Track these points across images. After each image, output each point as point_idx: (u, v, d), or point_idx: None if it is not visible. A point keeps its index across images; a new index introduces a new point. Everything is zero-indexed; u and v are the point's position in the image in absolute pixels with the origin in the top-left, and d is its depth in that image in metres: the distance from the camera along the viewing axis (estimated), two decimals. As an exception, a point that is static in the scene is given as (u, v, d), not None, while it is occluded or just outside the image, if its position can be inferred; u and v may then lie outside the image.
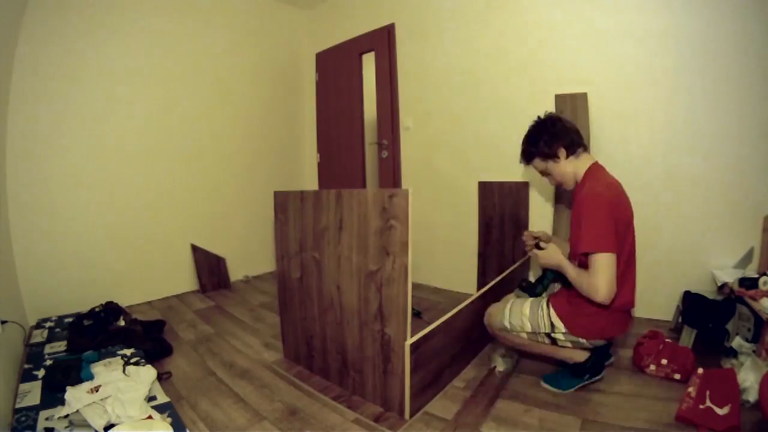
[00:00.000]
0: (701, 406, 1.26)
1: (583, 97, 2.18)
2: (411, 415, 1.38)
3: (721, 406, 1.22)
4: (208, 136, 3.17)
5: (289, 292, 1.82)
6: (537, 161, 1.55)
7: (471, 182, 2.80)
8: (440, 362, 1.54)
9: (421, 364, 1.40)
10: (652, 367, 1.56)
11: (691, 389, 1.33)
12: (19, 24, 2.20)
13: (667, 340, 1.64)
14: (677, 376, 1.51)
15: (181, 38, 2.96)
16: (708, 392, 1.28)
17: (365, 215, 1.41)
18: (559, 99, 2.24)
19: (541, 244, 1.52)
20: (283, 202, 1.78)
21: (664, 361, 1.54)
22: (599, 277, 1.23)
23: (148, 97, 2.81)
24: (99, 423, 1.19)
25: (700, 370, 1.40)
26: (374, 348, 1.44)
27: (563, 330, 1.41)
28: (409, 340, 1.33)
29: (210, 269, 3.11)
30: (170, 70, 2.92)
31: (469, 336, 1.76)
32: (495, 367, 1.69)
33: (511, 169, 2.61)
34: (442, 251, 3.02)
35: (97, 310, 2.15)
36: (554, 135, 1.46)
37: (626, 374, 1.60)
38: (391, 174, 3.25)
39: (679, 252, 2.07)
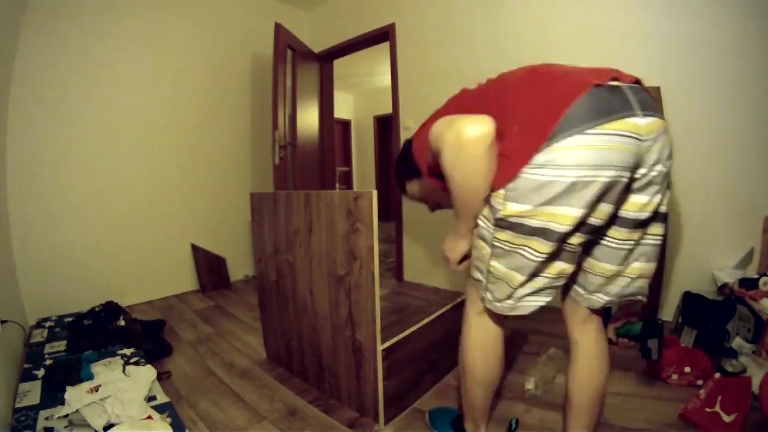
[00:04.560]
0: (708, 410, 1.25)
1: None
2: (386, 422, 1.35)
3: (728, 414, 1.21)
4: (208, 136, 3.18)
5: (268, 294, 1.81)
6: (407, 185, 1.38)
7: (471, 182, 2.81)
8: (418, 368, 1.51)
9: (395, 371, 1.38)
10: (675, 376, 1.52)
11: (702, 391, 1.32)
12: (19, 25, 2.21)
13: (682, 345, 1.61)
14: (700, 382, 1.47)
15: (180, 39, 2.97)
16: (719, 397, 1.27)
17: (332, 218, 1.38)
18: None
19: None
20: (258, 203, 1.78)
21: (687, 369, 1.50)
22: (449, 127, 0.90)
23: (148, 98, 2.81)
24: (99, 423, 1.19)
25: (717, 375, 1.39)
26: (347, 353, 1.42)
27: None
28: (380, 347, 1.31)
29: (210, 269, 3.11)
30: (172, 70, 2.92)
31: (451, 342, 1.65)
32: (528, 388, 1.55)
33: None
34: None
35: (97, 310, 2.16)
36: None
37: (626, 374, 1.60)
38: (283, 181, 2.96)
39: (680, 252, 2.07)
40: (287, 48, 3.09)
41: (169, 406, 1.36)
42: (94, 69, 2.54)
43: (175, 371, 1.77)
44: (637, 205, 0.84)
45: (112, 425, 1.18)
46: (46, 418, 1.25)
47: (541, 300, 0.91)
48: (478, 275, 0.97)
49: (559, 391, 1.50)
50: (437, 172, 1.00)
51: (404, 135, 3.19)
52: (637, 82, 0.83)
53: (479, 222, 0.95)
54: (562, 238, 0.79)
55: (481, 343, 1.04)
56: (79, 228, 2.53)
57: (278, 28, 2.97)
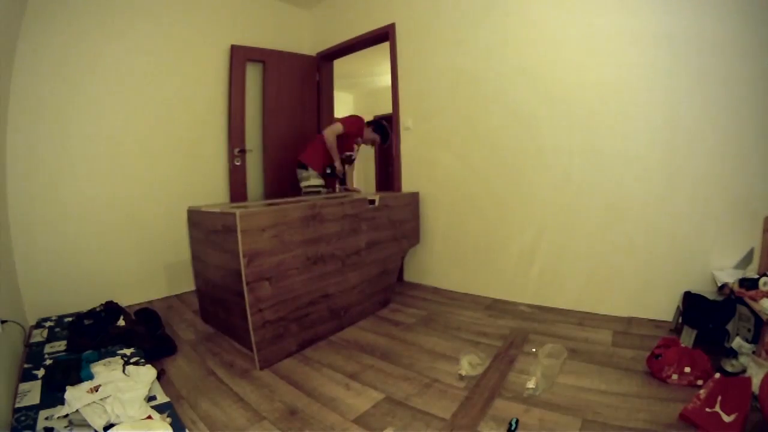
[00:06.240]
0: (708, 410, 1.25)
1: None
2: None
3: (728, 414, 1.21)
4: (209, 135, 3.18)
5: (201, 277, 2.47)
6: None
7: (473, 181, 2.81)
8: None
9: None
10: (675, 376, 1.51)
11: (702, 392, 1.32)
12: (20, 23, 2.21)
13: (682, 345, 1.61)
14: (700, 382, 1.47)
15: (181, 38, 2.97)
16: (720, 398, 1.27)
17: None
18: None
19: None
20: (191, 217, 2.31)
21: (687, 369, 1.50)
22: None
23: (149, 97, 2.81)
24: (98, 423, 1.19)
25: (717, 375, 1.39)
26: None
27: None
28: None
29: (210, 269, 3.11)
30: (172, 69, 2.92)
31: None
32: (459, 373, 1.66)
33: (513, 167, 2.61)
34: (442, 251, 3.02)
35: (97, 310, 2.15)
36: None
37: (626, 374, 1.60)
38: (242, 186, 3.34)
39: (680, 252, 2.07)
40: (246, 64, 3.29)
41: (169, 406, 1.36)
42: (93, 71, 2.54)
43: (175, 371, 1.77)
44: None
45: (112, 425, 1.18)
46: (46, 418, 1.25)
47: None
48: None
49: (560, 391, 1.50)
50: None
51: (404, 135, 3.19)
52: None
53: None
54: None
55: None
56: (79, 228, 2.53)
57: (233, 49, 3.22)
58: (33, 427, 1.21)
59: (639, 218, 2.17)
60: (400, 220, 2.75)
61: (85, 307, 2.23)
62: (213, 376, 1.73)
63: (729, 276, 1.82)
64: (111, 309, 2.17)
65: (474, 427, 1.31)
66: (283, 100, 3.50)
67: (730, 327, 1.71)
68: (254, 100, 3.44)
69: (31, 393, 1.41)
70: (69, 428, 1.21)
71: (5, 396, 1.35)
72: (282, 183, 3.49)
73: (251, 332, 1.74)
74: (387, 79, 3.37)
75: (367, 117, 7.95)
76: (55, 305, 2.36)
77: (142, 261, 2.83)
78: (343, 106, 6.98)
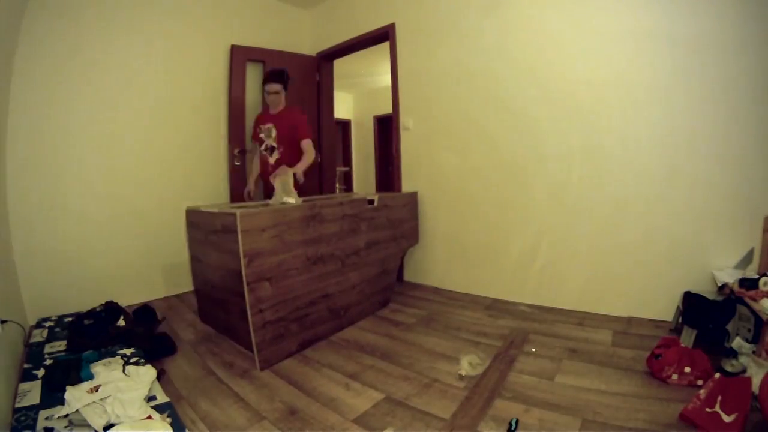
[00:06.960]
0: (708, 410, 1.25)
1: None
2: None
3: (728, 414, 1.21)
4: (209, 135, 3.18)
5: (199, 278, 2.52)
6: (277, 86, 2.60)
7: (473, 181, 2.81)
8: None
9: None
10: (675, 376, 1.52)
11: (702, 392, 1.32)
12: (20, 24, 2.21)
13: (682, 345, 1.60)
14: (700, 382, 1.47)
15: (181, 38, 2.97)
16: (720, 398, 1.27)
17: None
18: None
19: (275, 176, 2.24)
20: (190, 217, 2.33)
21: (687, 369, 1.50)
22: (313, 148, 2.54)
23: (149, 97, 2.81)
24: (98, 423, 1.19)
25: (717, 375, 1.39)
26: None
27: None
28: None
29: (210, 269, 3.11)
30: (172, 69, 2.92)
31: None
32: (459, 373, 1.66)
33: (513, 167, 2.61)
34: (442, 251, 3.02)
35: (97, 310, 2.15)
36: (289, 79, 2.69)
37: (626, 374, 1.60)
38: (242, 186, 3.09)
39: (679, 252, 2.06)
40: (246, 64, 3.29)
41: (169, 406, 1.36)
42: (92, 72, 2.54)
43: (175, 371, 1.77)
44: None
45: (112, 425, 1.18)
46: (46, 418, 1.25)
47: None
48: None
49: (560, 391, 1.50)
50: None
51: (404, 135, 3.19)
52: None
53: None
54: None
55: None
56: (79, 228, 2.53)
57: (233, 49, 3.21)
58: (33, 427, 1.21)
59: (639, 218, 2.17)
60: (399, 220, 2.75)
61: (85, 307, 2.23)
62: (213, 376, 1.73)
63: (729, 276, 1.82)
64: (111, 309, 2.17)
65: (474, 427, 1.31)
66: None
67: (730, 327, 1.71)
68: (254, 100, 3.44)
69: (31, 393, 1.41)
70: (69, 428, 1.21)
71: (5, 396, 1.34)
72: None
73: (252, 333, 1.74)
74: (387, 79, 3.37)
75: (367, 117, 7.95)
76: (55, 305, 2.36)
77: (142, 261, 2.83)
78: (343, 105, 6.98)
